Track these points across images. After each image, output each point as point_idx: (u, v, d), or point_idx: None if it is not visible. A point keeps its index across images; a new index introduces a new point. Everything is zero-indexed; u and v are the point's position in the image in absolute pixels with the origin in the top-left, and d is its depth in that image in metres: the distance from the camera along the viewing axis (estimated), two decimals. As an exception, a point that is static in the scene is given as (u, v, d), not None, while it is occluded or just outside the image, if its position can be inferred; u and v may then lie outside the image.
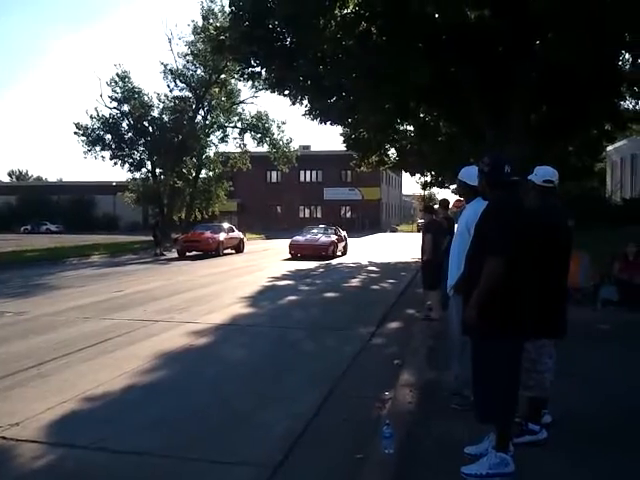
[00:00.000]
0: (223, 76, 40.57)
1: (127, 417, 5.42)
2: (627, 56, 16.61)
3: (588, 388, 5.70)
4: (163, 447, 4.67)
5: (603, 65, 14.37)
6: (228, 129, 43.82)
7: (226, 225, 29.21)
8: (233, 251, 28.17)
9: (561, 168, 18.55)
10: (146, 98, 40.31)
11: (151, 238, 29.06)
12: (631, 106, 21.45)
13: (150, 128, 39.99)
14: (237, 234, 29.15)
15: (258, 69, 18.29)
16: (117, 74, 39.23)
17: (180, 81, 41.05)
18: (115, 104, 39.66)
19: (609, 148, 30.90)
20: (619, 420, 4.85)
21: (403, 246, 32.00)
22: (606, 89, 16.08)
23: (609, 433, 4.58)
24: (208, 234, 26.65)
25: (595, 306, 9.97)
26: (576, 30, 12.12)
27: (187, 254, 25.79)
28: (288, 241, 26.26)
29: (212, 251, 25.82)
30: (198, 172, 42.42)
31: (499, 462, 3.81)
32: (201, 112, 42.19)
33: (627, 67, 17.09)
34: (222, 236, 27.02)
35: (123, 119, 40.20)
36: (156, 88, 44.78)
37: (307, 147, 65.14)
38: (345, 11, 15.72)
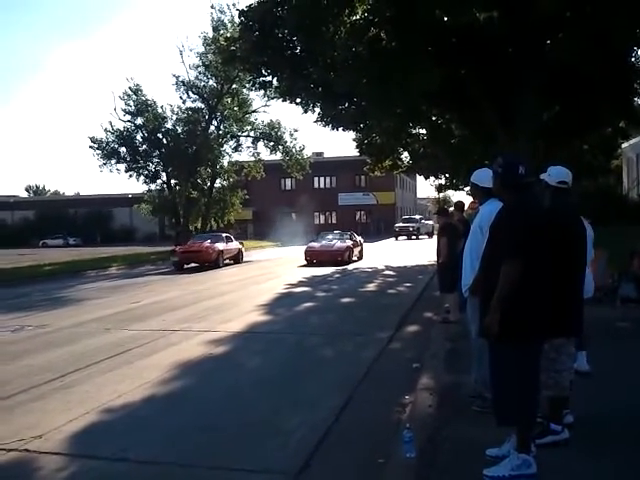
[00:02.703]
0: (235, 86, 40.78)
1: (148, 427, 5.45)
2: (639, 52, 16.52)
3: (609, 387, 5.64)
4: (184, 456, 4.69)
5: (615, 62, 14.29)
6: (241, 138, 44.02)
7: (224, 234, 27.59)
8: (232, 262, 26.49)
9: (576, 166, 18.47)
10: (159, 110, 40.65)
11: (171, 248, 29.01)
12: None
13: (164, 140, 40.31)
14: (235, 244, 27.54)
15: (269, 78, 18.42)
16: (130, 87, 39.65)
17: (192, 92, 41.35)
18: (129, 117, 40.05)
19: (624, 145, 30.64)
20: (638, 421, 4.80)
21: (419, 249, 31.88)
22: (619, 86, 15.97)
23: (632, 433, 4.53)
24: (207, 244, 24.97)
25: (614, 304, 9.87)
26: (585, 29, 12.08)
27: (185, 266, 24.14)
28: (304, 248, 26.27)
29: (212, 262, 24.05)
30: (213, 182, 42.64)
31: (521, 463, 3.78)
32: (214, 122, 42.44)
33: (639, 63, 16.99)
34: (221, 246, 25.38)
35: (137, 132, 40.56)
36: (168, 99, 45.80)
37: (320, 154, 65.20)
38: (354, 17, 15.77)
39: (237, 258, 26.98)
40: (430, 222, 55.14)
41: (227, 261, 26.21)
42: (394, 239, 48.75)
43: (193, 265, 24.29)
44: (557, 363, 4.30)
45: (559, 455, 4.13)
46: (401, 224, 52.52)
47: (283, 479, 4.27)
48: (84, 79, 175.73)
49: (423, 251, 28.13)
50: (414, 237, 49.45)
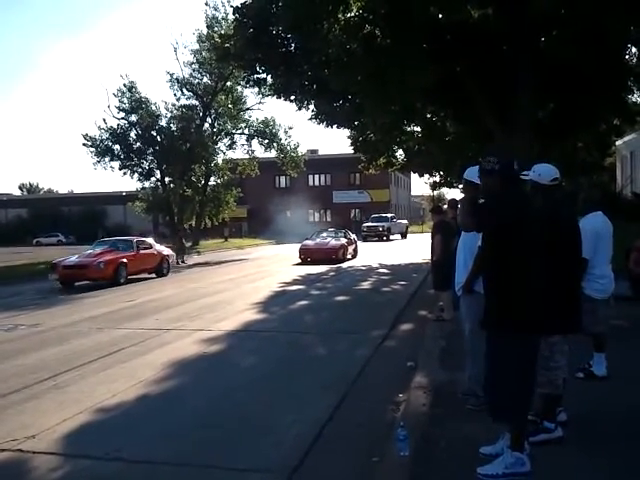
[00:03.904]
0: (229, 83, 40.79)
1: (142, 426, 5.44)
2: (634, 50, 16.53)
3: (604, 385, 5.66)
4: (178, 455, 4.68)
5: (609, 60, 14.31)
6: (235, 136, 44.08)
7: (136, 239, 21.08)
8: (153, 275, 20.42)
9: (570, 164, 18.44)
10: (153, 107, 40.60)
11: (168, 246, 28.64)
12: (639, 100, 21.34)
13: (158, 137, 40.25)
14: (157, 250, 21.21)
15: (263, 75, 18.40)
16: (124, 84, 39.57)
17: (187, 89, 41.36)
18: (123, 114, 39.99)
19: (618, 142, 30.69)
20: (636, 419, 4.80)
21: (413, 247, 31.93)
22: (613, 83, 16.00)
23: (626, 431, 4.54)
24: (100, 256, 18.33)
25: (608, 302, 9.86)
26: (579, 27, 12.09)
27: (76, 284, 17.94)
28: (298, 246, 26.25)
29: (107, 279, 17.76)
30: (207, 179, 42.64)
31: (515, 461, 3.79)
32: (208, 120, 42.45)
33: (634, 61, 17.01)
34: (124, 257, 18.65)
35: (131, 129, 40.49)
36: (162, 96, 45.38)
37: (315, 151, 65.24)
38: (349, 15, 15.73)
39: (159, 269, 20.69)
40: (404, 221, 51.95)
41: (141, 275, 19.86)
42: (361, 241, 38.76)
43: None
44: (550, 361, 4.31)
45: (553, 453, 4.14)
46: (369, 224, 46.45)
47: (277, 478, 4.26)
48: (78, 77, 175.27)
49: (417, 249, 28.17)
50: (385, 238, 44.60)
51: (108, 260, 18.03)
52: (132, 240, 20.59)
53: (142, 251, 19.92)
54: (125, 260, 18.56)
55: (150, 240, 22.06)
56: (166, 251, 21.94)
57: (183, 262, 27.15)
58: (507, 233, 3.73)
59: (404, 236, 48.43)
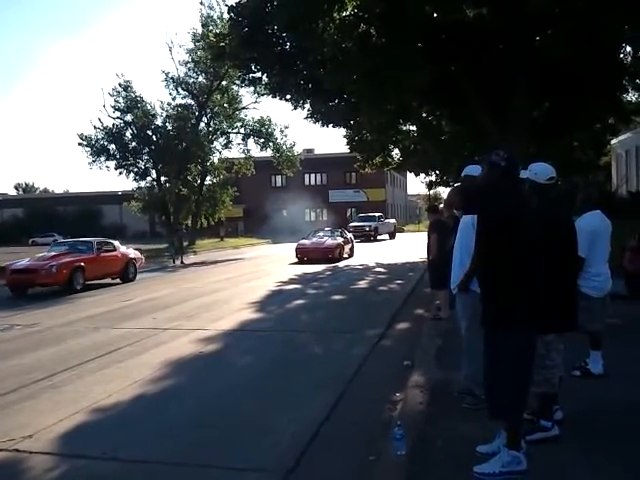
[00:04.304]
0: (224, 82, 40.72)
1: (138, 426, 5.43)
2: (628, 49, 16.58)
3: (600, 383, 5.67)
4: (175, 455, 4.68)
5: (604, 59, 14.35)
6: (231, 135, 43.99)
7: (97, 240, 18.67)
8: (118, 279, 18.53)
9: (566, 163, 18.45)
10: (149, 107, 40.53)
11: (159, 246, 28.59)
12: (634, 99, 21.38)
13: (154, 137, 40.18)
14: (122, 252, 19.09)
15: (259, 74, 18.40)
16: (119, 84, 39.48)
17: (182, 89, 41.27)
18: (118, 114, 39.88)
19: (613, 141, 30.76)
20: (633, 416, 4.82)
21: (410, 246, 31.95)
22: (608, 82, 16.05)
23: (623, 429, 4.55)
24: (53, 259, 16.61)
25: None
26: (574, 26, 12.12)
27: (28, 291, 16.43)
28: (294, 245, 26.24)
29: (59, 284, 16.18)
30: (203, 179, 42.56)
31: (511, 460, 3.79)
32: (204, 119, 42.37)
33: (628, 60, 17.05)
34: (81, 260, 16.82)
35: (127, 128, 40.41)
36: (158, 96, 45.22)
37: (311, 150, 65.19)
38: (344, 14, 15.75)
39: (124, 274, 18.68)
40: (392, 221, 50.13)
41: (106, 280, 18.22)
42: None
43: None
44: (546, 359, 4.32)
45: (549, 451, 4.15)
46: (355, 223, 44.84)
47: (274, 477, 4.26)
48: (73, 77, 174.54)
49: (413, 248, 28.18)
50: (372, 239, 42.95)
51: (62, 264, 16.22)
52: (92, 242, 18.26)
53: (104, 254, 17.95)
54: (82, 264, 16.70)
55: (115, 242, 19.77)
56: (133, 254, 19.79)
57: (182, 262, 27.01)
58: (502, 231, 3.74)
59: (392, 236, 46.72)
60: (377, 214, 48.27)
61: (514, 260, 3.74)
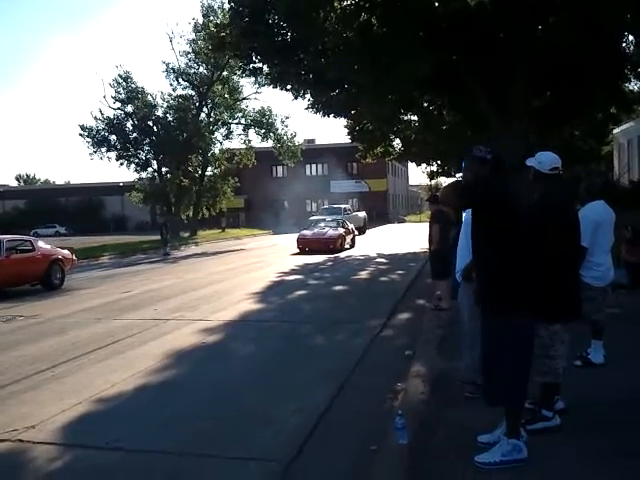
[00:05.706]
0: (225, 73, 40.66)
1: (141, 416, 5.46)
2: (631, 38, 16.48)
3: (602, 373, 5.69)
4: (177, 445, 4.70)
5: (606, 48, 14.28)
6: (232, 126, 44.01)
7: (8, 238, 14.76)
8: (38, 284, 15.01)
9: (567, 152, 18.40)
10: (149, 98, 40.54)
11: (159, 237, 28.42)
12: (636, 88, 21.31)
13: (155, 127, 40.18)
14: (43, 253, 15.08)
15: (259, 65, 18.29)
16: (120, 75, 39.45)
17: (183, 79, 41.24)
18: (119, 105, 39.88)
19: (615, 131, 30.66)
20: (634, 406, 4.82)
21: (411, 237, 31.93)
22: (610, 72, 15.97)
23: (624, 418, 4.57)
24: None
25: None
26: (576, 14, 12.05)
27: None
28: (296, 236, 26.23)
29: None
30: (204, 170, 42.58)
31: (511, 449, 3.82)
32: (205, 110, 42.33)
33: (631, 49, 16.96)
34: None
35: (127, 119, 40.41)
36: (159, 87, 45.22)
37: (312, 141, 65.07)
38: (345, 3, 15.67)
39: (46, 277, 14.97)
40: (361, 214, 42.91)
41: (24, 286, 14.81)
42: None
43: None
44: (551, 349, 4.31)
45: (551, 441, 4.16)
46: (317, 217, 34.52)
47: (276, 467, 4.27)
48: (74, 68, 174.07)
49: (415, 239, 28.16)
50: None
51: None
52: (1, 241, 14.07)
53: (16, 255, 14.19)
54: None
55: (36, 239, 16.63)
56: (58, 254, 15.75)
57: (167, 254, 26.45)
58: (500, 221, 3.75)
59: (362, 231, 38.40)
60: (344, 206, 42.83)
61: (512, 249, 3.75)
